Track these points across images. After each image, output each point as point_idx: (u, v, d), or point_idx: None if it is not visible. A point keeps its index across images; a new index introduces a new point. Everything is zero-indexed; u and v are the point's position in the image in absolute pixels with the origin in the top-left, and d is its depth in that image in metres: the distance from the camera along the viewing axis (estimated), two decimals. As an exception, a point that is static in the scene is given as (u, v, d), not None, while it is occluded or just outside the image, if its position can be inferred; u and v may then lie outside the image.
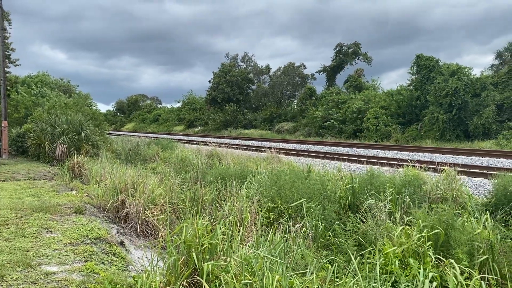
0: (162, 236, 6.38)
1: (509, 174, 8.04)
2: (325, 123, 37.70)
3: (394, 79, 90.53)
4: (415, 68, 32.57)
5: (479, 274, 4.73)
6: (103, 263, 4.65)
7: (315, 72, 52.16)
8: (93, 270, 4.25)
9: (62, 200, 7.73)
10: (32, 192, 8.40)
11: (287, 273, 3.66)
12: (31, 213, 6.53)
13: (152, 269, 3.86)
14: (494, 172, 10.94)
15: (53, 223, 6.06)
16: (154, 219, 6.84)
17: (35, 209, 6.80)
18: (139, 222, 6.85)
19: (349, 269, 4.30)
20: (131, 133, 49.34)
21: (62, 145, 13.61)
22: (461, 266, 4.70)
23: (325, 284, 4.04)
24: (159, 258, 4.13)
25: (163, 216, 6.77)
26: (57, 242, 5.14)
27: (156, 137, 29.35)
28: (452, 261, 4.60)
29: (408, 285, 4.34)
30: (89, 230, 5.77)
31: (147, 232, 6.86)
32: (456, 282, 4.23)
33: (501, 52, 35.98)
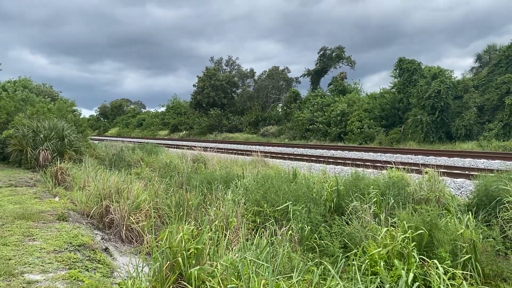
0: (147, 242, 6.32)
1: (490, 174, 8.20)
2: (310, 126, 37.94)
3: (376, 82, 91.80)
4: (397, 71, 33.02)
5: (462, 273, 4.81)
6: (87, 270, 4.58)
7: (300, 76, 52.59)
8: (77, 277, 4.19)
9: (45, 207, 7.61)
10: (13, 199, 8.24)
11: (274, 277, 3.66)
12: (13, 221, 6.40)
13: (138, 276, 3.82)
14: (475, 173, 11.14)
15: (35, 230, 5.95)
16: (139, 225, 6.77)
17: (17, 216, 6.67)
18: (124, 228, 6.77)
19: (335, 271, 4.32)
20: (115, 138, 48.88)
21: (45, 151, 13.40)
22: (445, 266, 4.77)
23: (311, 286, 4.05)
24: (144, 264, 4.10)
25: (148, 222, 6.71)
26: (40, 249, 5.06)
27: (140, 142, 29.14)
28: (435, 261, 4.66)
29: (392, 286, 4.38)
30: (73, 237, 5.69)
31: (132, 238, 6.80)
32: (439, 282, 4.29)
33: (480, 55, 36.78)
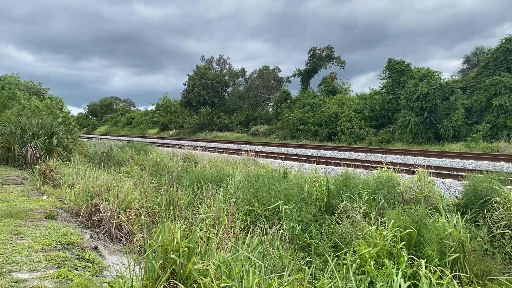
0: (137, 241, 6.28)
1: (479, 175, 8.29)
2: (301, 126, 38.01)
3: (363, 82, 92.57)
4: (387, 72, 33.21)
5: (451, 272, 4.85)
6: (76, 269, 4.54)
7: (291, 76, 52.59)
8: (66, 276, 4.14)
9: (33, 205, 7.51)
10: (0, 197, 8.12)
11: (266, 276, 3.66)
12: (0, 219, 6.31)
13: (128, 275, 3.79)
14: (464, 174, 11.25)
15: (23, 228, 5.87)
16: (129, 224, 6.73)
17: (4, 214, 6.57)
18: (114, 226, 6.72)
19: (326, 270, 4.33)
20: (104, 136, 48.46)
21: (33, 148, 13.23)
22: (433, 265, 4.81)
23: (302, 286, 4.06)
24: (135, 263, 4.06)
25: (139, 218, 6.66)
26: (28, 248, 4.99)
27: (129, 140, 28.94)
28: (423, 261, 4.69)
29: (383, 285, 4.40)
30: (61, 236, 5.63)
31: (122, 237, 6.74)
32: (428, 281, 4.32)
33: (469, 57, 37.23)
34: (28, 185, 9.88)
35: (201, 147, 21.97)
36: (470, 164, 16.41)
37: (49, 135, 14.27)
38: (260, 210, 6.99)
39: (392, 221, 5.82)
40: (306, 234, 6.40)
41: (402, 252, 5.05)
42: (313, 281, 4.23)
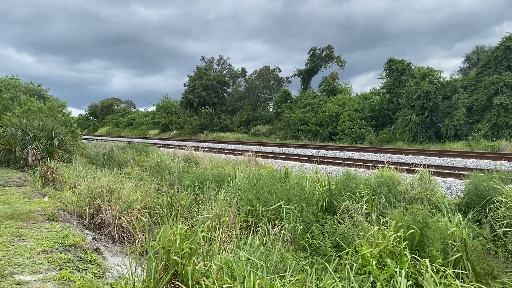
0: (139, 242, 6.28)
1: (480, 174, 8.27)
2: (301, 127, 37.99)
3: (363, 82, 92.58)
4: (387, 72, 33.18)
5: (454, 271, 4.84)
6: (78, 270, 4.53)
7: (291, 76, 52.59)
8: (69, 278, 4.14)
9: (34, 207, 7.51)
10: (2, 199, 8.12)
11: (268, 276, 3.65)
12: (2, 221, 6.31)
13: (130, 276, 3.78)
14: (465, 173, 11.24)
15: (25, 230, 5.87)
16: (131, 225, 6.72)
17: (6, 216, 6.57)
18: (115, 228, 6.72)
19: (329, 271, 4.32)
20: (105, 138, 48.50)
21: (34, 150, 13.24)
22: (436, 264, 4.81)
23: (305, 286, 4.05)
24: (137, 265, 4.06)
25: (142, 218, 6.66)
26: (30, 250, 4.98)
27: (130, 142, 28.96)
28: (426, 260, 4.68)
29: (387, 285, 4.39)
30: (63, 237, 5.62)
31: (124, 238, 6.74)
32: (430, 280, 4.31)
33: (469, 56, 37.20)
34: (29, 187, 9.89)
35: (202, 147, 21.97)
36: (471, 163, 16.38)
37: (50, 137, 14.28)
38: (262, 210, 6.99)
39: (394, 221, 5.80)
40: (307, 234, 6.39)
41: (405, 252, 5.04)
42: (315, 281, 4.22)
